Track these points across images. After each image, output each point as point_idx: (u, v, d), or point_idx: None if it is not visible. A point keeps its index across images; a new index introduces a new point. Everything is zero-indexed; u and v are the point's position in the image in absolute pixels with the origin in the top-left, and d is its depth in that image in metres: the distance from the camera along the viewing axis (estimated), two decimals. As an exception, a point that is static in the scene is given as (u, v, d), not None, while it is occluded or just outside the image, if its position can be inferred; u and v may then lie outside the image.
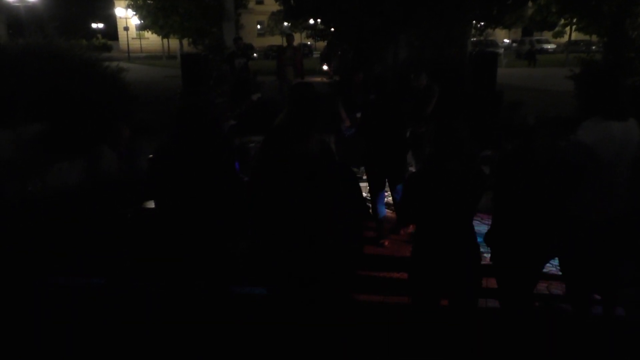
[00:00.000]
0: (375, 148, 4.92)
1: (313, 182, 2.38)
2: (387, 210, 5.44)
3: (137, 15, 30.79)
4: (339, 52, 12.22)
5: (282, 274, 2.55)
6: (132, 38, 44.66)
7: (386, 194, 5.27)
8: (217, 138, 3.34)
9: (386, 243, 4.94)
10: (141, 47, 45.82)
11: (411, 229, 5.01)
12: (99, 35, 45.23)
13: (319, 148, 2.47)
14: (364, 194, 6.11)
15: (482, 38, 22.42)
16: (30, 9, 21.78)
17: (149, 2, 27.68)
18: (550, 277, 4.15)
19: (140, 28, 34.04)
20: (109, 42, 43.35)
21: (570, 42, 33.69)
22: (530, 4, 19.57)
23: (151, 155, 3.28)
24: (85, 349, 3.58)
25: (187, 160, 3.01)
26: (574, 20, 27.93)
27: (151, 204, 4.16)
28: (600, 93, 3.19)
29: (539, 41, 40.41)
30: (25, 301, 4.19)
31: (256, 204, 2.53)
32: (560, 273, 3.72)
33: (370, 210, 5.07)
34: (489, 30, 20.41)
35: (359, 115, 5.97)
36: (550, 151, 3.09)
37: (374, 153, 4.94)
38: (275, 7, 35.75)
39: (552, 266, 4.01)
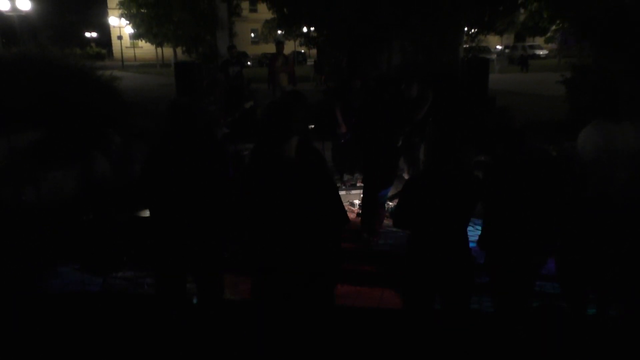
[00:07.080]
0: (365, 153, 5.06)
1: (290, 187, 2.41)
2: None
3: (131, 24, 30.85)
4: (332, 60, 12.24)
5: (268, 277, 2.57)
6: (126, 47, 44.65)
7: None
8: (210, 142, 3.33)
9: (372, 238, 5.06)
10: (135, 55, 45.83)
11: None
12: (93, 44, 45.17)
13: (299, 153, 2.48)
14: (356, 201, 6.18)
15: (474, 44, 22.53)
16: (24, 18, 21.75)
17: (142, 11, 27.73)
18: (544, 277, 4.17)
19: (134, 37, 34.08)
20: (103, 51, 43.32)
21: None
22: (522, 10, 19.75)
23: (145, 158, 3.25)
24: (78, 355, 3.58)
25: (181, 163, 2.99)
26: (565, 26, 28.25)
27: (146, 212, 4.15)
28: (602, 96, 3.24)
29: (531, 47, 40.73)
30: (18, 309, 4.17)
31: (243, 207, 2.56)
32: (552, 273, 3.75)
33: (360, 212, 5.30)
34: (482, 37, 20.53)
35: None
36: (539, 155, 3.11)
37: (365, 157, 5.08)
38: (269, 15, 35.69)
39: (545, 268, 4.03)
